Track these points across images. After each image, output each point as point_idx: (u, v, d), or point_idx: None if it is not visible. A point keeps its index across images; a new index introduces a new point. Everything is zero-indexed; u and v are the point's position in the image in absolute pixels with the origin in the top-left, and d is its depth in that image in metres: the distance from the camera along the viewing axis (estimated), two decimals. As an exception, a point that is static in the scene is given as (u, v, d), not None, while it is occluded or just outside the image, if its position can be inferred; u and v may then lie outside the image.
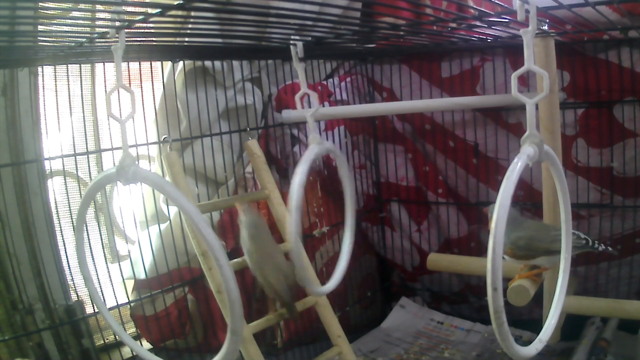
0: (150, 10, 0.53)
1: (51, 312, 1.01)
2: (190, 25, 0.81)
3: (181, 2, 0.50)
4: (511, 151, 1.20)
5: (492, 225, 0.47)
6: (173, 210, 1.11)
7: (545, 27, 0.76)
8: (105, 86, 1.05)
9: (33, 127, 1.00)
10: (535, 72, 0.50)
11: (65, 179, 1.07)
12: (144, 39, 0.72)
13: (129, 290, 1.08)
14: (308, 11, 0.66)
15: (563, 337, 0.96)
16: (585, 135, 1.10)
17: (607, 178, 1.10)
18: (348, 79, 1.31)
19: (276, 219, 1.01)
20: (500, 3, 0.63)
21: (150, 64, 1.04)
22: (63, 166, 1.05)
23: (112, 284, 0.98)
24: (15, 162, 0.98)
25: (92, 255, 0.94)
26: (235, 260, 0.90)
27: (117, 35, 0.52)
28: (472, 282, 1.33)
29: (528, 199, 1.17)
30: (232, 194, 1.15)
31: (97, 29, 0.60)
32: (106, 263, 1.03)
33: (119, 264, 1.05)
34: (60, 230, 0.96)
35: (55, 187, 1.04)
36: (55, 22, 0.69)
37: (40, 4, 0.65)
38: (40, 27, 0.70)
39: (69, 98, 0.94)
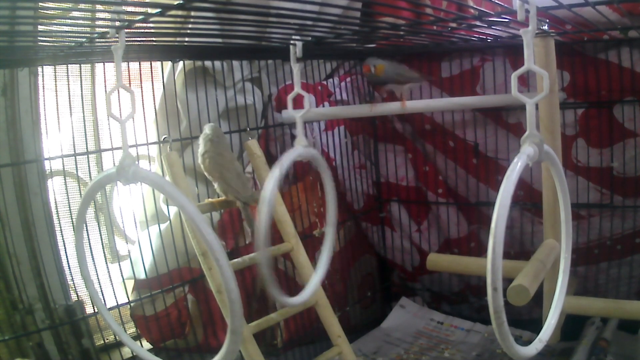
0: (150, 10, 0.53)
1: (51, 312, 1.01)
2: (190, 25, 0.81)
3: (181, 2, 0.50)
4: (511, 151, 1.20)
5: (492, 225, 0.47)
6: (173, 210, 1.11)
7: (545, 27, 0.76)
8: (105, 86, 1.05)
9: (33, 127, 1.00)
10: (535, 72, 0.50)
11: (65, 179, 1.07)
12: (144, 39, 0.72)
13: (129, 290, 1.08)
14: (308, 11, 0.66)
15: (563, 337, 0.96)
16: (585, 135, 1.10)
17: (607, 178, 1.10)
18: (348, 79, 1.31)
19: (276, 219, 1.01)
20: (500, 3, 0.63)
21: (150, 64, 1.04)
22: (63, 166, 1.05)
23: (112, 284, 0.98)
24: (15, 162, 0.98)
25: (92, 255, 0.94)
26: (235, 260, 0.90)
27: (117, 35, 0.52)
28: (472, 282, 1.33)
29: (528, 199, 1.17)
30: (232, 194, 1.15)
31: (97, 29, 0.60)
32: (106, 263, 1.03)
33: (119, 264, 1.05)
34: (60, 230, 0.96)
35: (55, 187, 1.04)
36: (55, 22, 0.69)
37: (40, 4, 0.65)
38: (40, 27, 0.70)
39: (69, 98, 0.94)
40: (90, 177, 1.06)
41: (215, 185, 0.91)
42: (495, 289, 0.47)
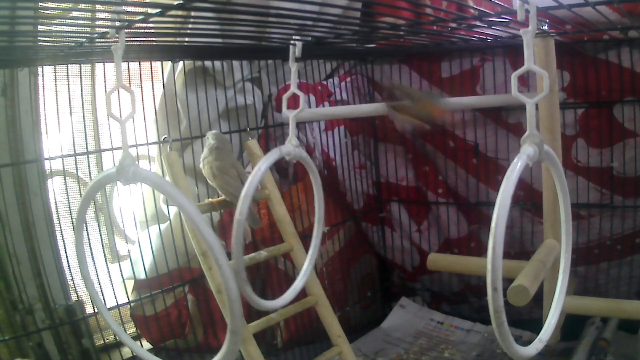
0: (150, 10, 0.53)
1: (51, 312, 1.01)
2: (190, 25, 0.81)
3: (181, 2, 0.50)
4: (511, 151, 1.20)
5: (492, 225, 0.47)
6: (173, 210, 1.11)
7: (545, 27, 0.76)
8: (105, 86, 1.05)
9: (33, 127, 1.00)
10: (535, 72, 0.50)
11: (65, 179, 1.07)
12: (144, 39, 0.72)
13: (129, 290, 1.08)
14: (308, 11, 0.66)
15: (563, 337, 0.96)
16: (585, 135, 1.10)
17: (607, 178, 1.10)
18: (348, 79, 1.31)
19: (276, 219, 1.01)
20: (500, 3, 0.63)
21: (150, 64, 1.04)
22: (63, 166, 1.05)
23: (112, 284, 0.98)
24: (15, 162, 0.98)
25: (92, 255, 0.94)
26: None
27: (117, 35, 0.52)
28: (472, 282, 1.33)
29: (528, 199, 1.17)
30: (232, 194, 1.15)
31: (97, 29, 0.60)
32: (106, 263, 1.03)
33: (119, 264, 1.05)
34: (60, 230, 0.96)
35: (55, 187, 1.04)
36: (55, 22, 0.69)
37: (40, 4, 0.65)
38: (40, 27, 0.70)
39: (69, 98, 0.94)
40: (90, 177, 1.06)
41: (216, 187, 0.91)
42: (495, 289, 0.47)
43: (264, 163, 0.67)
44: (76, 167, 0.94)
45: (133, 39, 0.69)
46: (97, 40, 0.62)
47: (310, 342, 1.23)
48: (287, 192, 1.19)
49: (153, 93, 1.07)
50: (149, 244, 1.06)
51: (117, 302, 0.98)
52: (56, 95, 1.02)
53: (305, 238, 1.17)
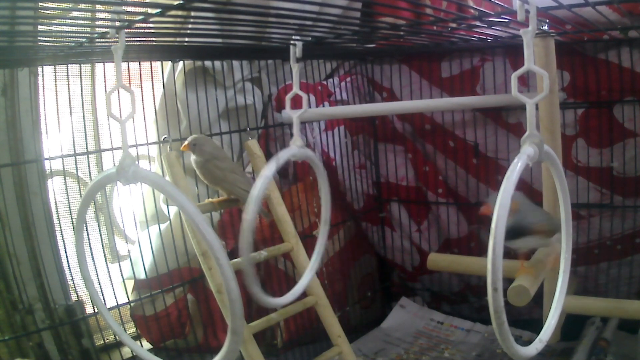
0: (150, 10, 0.53)
1: (51, 312, 1.01)
2: (190, 25, 0.81)
3: (181, 2, 0.50)
4: (511, 151, 1.20)
5: (492, 225, 0.47)
6: (173, 210, 1.11)
7: (545, 27, 0.76)
8: (105, 86, 1.05)
9: (33, 127, 1.00)
10: (535, 72, 0.50)
11: (65, 179, 1.07)
12: (144, 39, 0.72)
13: (129, 290, 1.08)
14: (308, 11, 0.66)
15: (563, 337, 0.96)
16: (585, 135, 1.10)
17: (607, 178, 1.10)
18: (348, 79, 1.31)
19: (276, 219, 1.01)
20: (500, 3, 0.63)
21: (150, 64, 1.04)
22: (63, 166, 1.05)
23: (112, 284, 0.98)
24: (15, 162, 0.98)
25: (92, 255, 0.94)
26: (236, 260, 0.90)
27: (117, 35, 0.52)
28: (472, 282, 1.33)
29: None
30: (232, 194, 1.15)
31: (97, 29, 0.60)
32: (106, 263, 1.03)
33: (119, 264, 1.05)
34: (60, 230, 0.96)
35: (55, 187, 1.04)
36: (55, 22, 0.69)
37: (40, 4, 0.65)
38: (40, 27, 0.70)
39: (69, 98, 0.94)
40: (90, 177, 1.06)
41: (222, 188, 0.90)
42: (496, 289, 0.47)
43: (274, 164, 0.67)
44: (76, 167, 0.94)
45: (133, 39, 0.69)
46: (97, 40, 0.62)
47: (310, 342, 1.23)
48: (287, 192, 1.19)
49: (153, 93, 1.07)
50: (149, 244, 1.06)
51: (117, 302, 0.98)
52: (56, 95, 1.02)
53: (305, 238, 1.17)
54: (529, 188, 1.17)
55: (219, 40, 0.79)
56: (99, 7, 0.55)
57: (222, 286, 0.77)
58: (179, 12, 0.85)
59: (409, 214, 1.37)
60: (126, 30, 0.52)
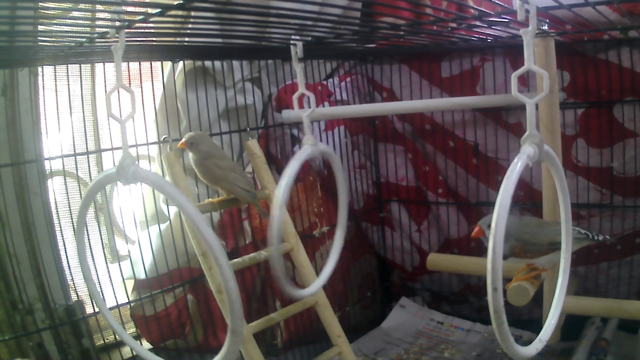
0: (150, 10, 0.53)
1: (51, 312, 1.01)
2: (190, 25, 0.81)
3: (181, 2, 0.50)
4: (511, 151, 1.20)
5: (493, 225, 0.47)
6: (173, 210, 1.11)
7: (545, 27, 0.76)
8: (105, 86, 1.05)
9: (33, 127, 1.00)
10: (535, 72, 0.50)
11: (65, 179, 1.07)
12: (144, 39, 0.72)
13: (129, 290, 1.08)
14: (308, 11, 0.66)
15: (563, 337, 0.96)
16: (585, 135, 1.10)
17: (607, 178, 1.10)
18: (348, 79, 1.31)
19: (276, 219, 1.01)
20: (500, 3, 0.63)
21: (150, 64, 1.03)
22: (63, 166, 1.05)
23: (112, 284, 0.98)
24: (15, 162, 0.98)
25: (92, 255, 0.93)
26: (235, 260, 0.90)
27: (117, 35, 0.52)
28: (472, 282, 1.33)
29: (528, 199, 1.17)
30: (232, 194, 1.15)
31: (97, 29, 0.60)
32: (106, 263, 1.03)
33: (119, 264, 1.05)
34: (60, 230, 0.96)
35: (55, 187, 1.04)
36: (55, 22, 0.69)
37: (40, 4, 0.65)
38: (40, 27, 0.70)
39: (69, 98, 0.94)
40: (90, 177, 1.06)
41: (221, 187, 0.90)
42: (495, 289, 0.47)
43: (294, 165, 0.69)
44: (76, 167, 0.94)
45: (133, 39, 0.69)
46: (97, 40, 0.62)
47: (310, 342, 1.23)
48: (289, 192, 1.18)
49: (153, 93, 1.07)
50: (149, 244, 1.06)
51: (117, 302, 0.98)
52: (56, 95, 1.02)
53: (305, 238, 1.17)
54: (529, 188, 1.17)
55: (219, 40, 0.79)
56: (99, 7, 0.55)
57: (222, 286, 0.77)
58: (179, 12, 0.85)
59: (409, 214, 1.37)
60: (126, 30, 0.52)
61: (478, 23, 0.77)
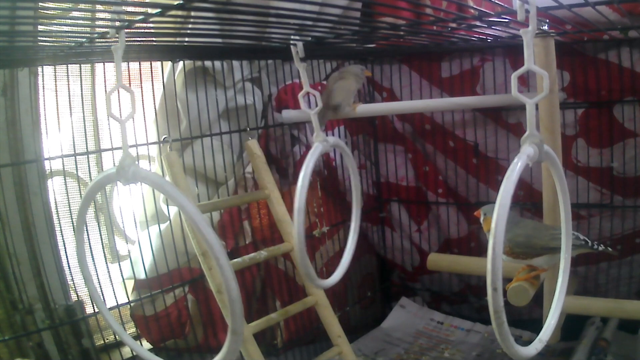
0: (150, 10, 0.53)
1: (51, 312, 1.01)
2: (190, 25, 0.81)
3: (181, 2, 0.50)
4: (511, 151, 1.20)
5: (492, 225, 0.47)
6: (173, 210, 1.11)
7: (545, 27, 0.76)
8: (105, 86, 1.05)
9: (33, 127, 1.00)
10: (535, 72, 0.50)
11: (65, 179, 1.07)
12: (144, 39, 0.72)
13: (129, 290, 1.08)
14: (308, 11, 0.66)
15: (563, 337, 0.96)
16: (585, 135, 1.10)
17: (607, 178, 1.10)
18: (348, 79, 1.31)
19: (276, 219, 1.01)
20: (500, 3, 0.63)
21: (150, 64, 1.03)
22: (63, 166, 1.05)
23: (112, 284, 0.98)
24: (15, 162, 0.98)
25: (92, 255, 0.93)
26: (236, 260, 0.90)
27: (117, 35, 0.52)
28: (472, 282, 1.33)
29: (528, 199, 1.17)
30: (232, 194, 1.16)
31: (97, 29, 0.60)
32: (106, 263, 1.03)
33: (119, 264, 1.05)
34: (60, 230, 0.96)
35: (55, 187, 1.04)
36: (55, 22, 0.69)
37: (40, 4, 0.65)
38: (40, 27, 0.70)
39: (69, 98, 0.94)
40: (90, 177, 1.06)
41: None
42: (495, 289, 0.47)
43: (309, 165, 0.71)
44: (76, 167, 0.94)
45: (133, 39, 0.69)
46: (97, 40, 0.62)
47: (310, 342, 1.23)
48: (287, 192, 1.19)
49: (153, 93, 1.07)
50: (149, 244, 1.06)
51: (117, 302, 0.98)
52: (56, 95, 1.02)
53: (305, 238, 1.17)
54: (529, 188, 1.17)
55: (219, 40, 0.79)
56: (99, 7, 0.55)
57: (222, 286, 0.77)
58: (179, 12, 0.85)
59: (409, 214, 1.37)
60: (126, 30, 0.52)
61: (478, 23, 0.77)
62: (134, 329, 1.14)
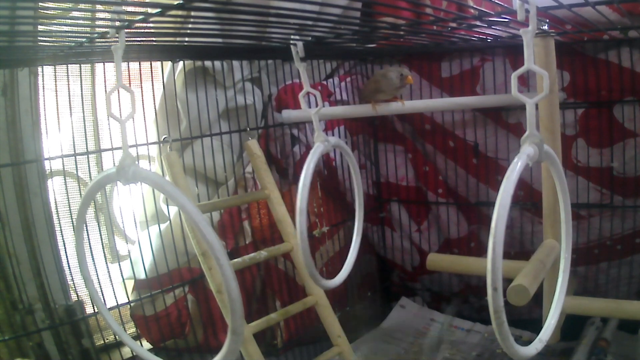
0: (150, 10, 0.53)
1: (51, 312, 1.01)
2: (190, 25, 0.81)
3: (181, 2, 0.50)
4: (511, 151, 1.20)
5: (493, 225, 0.47)
6: (173, 210, 1.11)
7: (545, 27, 0.76)
8: (105, 86, 1.05)
9: (33, 127, 1.00)
10: (535, 72, 0.50)
11: (65, 179, 1.07)
12: (144, 39, 0.72)
13: (129, 290, 1.08)
14: (308, 11, 0.66)
15: (563, 337, 0.96)
16: (585, 135, 1.10)
17: (607, 178, 1.10)
18: (348, 79, 1.31)
19: (276, 219, 1.01)
20: (500, 3, 0.63)
21: (150, 64, 1.03)
22: (63, 166, 1.05)
23: (112, 284, 0.98)
24: (15, 162, 0.98)
25: (92, 255, 0.94)
26: (236, 260, 0.90)
27: (117, 35, 0.52)
28: (472, 282, 1.33)
29: (528, 199, 1.17)
30: (232, 194, 1.16)
31: (97, 29, 0.60)
32: (106, 263, 1.03)
33: (119, 264, 1.05)
34: (60, 230, 0.96)
35: (55, 187, 1.04)
36: (55, 22, 0.69)
37: (40, 4, 0.65)
38: (40, 27, 0.70)
39: (69, 98, 0.94)
40: (90, 177, 1.06)
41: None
42: (495, 289, 0.47)
43: (310, 165, 0.72)
44: (76, 167, 0.94)
45: (133, 39, 0.69)
46: (97, 40, 0.62)
47: (310, 342, 1.23)
48: (287, 192, 1.19)
49: (153, 93, 1.07)
50: (149, 244, 1.06)
51: (117, 302, 0.98)
52: (56, 95, 1.02)
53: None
54: (529, 188, 1.17)
55: (219, 40, 0.79)
56: (99, 7, 0.55)
57: (222, 286, 0.77)
58: (179, 12, 0.85)
59: (409, 214, 1.37)
60: (126, 30, 0.52)
61: (478, 23, 0.77)
62: (134, 329, 1.14)
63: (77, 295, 1.05)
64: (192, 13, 0.79)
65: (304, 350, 1.22)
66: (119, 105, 0.93)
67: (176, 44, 0.83)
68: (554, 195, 0.77)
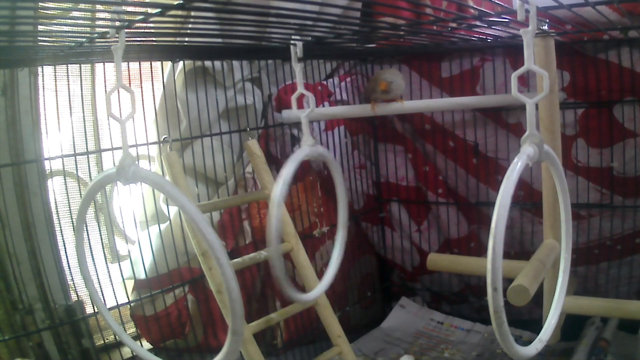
0: (150, 10, 0.53)
1: (51, 312, 1.01)
2: (190, 25, 0.81)
3: (181, 2, 0.50)
4: (511, 151, 1.20)
5: (493, 225, 0.47)
6: (173, 210, 1.11)
7: (545, 27, 0.76)
8: (105, 86, 1.05)
9: (33, 127, 1.00)
10: (535, 72, 0.50)
11: (65, 179, 1.07)
12: (144, 39, 0.72)
13: (129, 290, 1.08)
14: (308, 11, 0.66)
15: (563, 337, 0.96)
16: (585, 135, 1.10)
17: (607, 178, 1.10)
18: (348, 79, 1.31)
19: (276, 219, 1.00)
20: (500, 3, 0.63)
21: (150, 64, 1.03)
22: (63, 166, 1.05)
23: (112, 284, 0.98)
24: (15, 162, 0.98)
25: (92, 255, 0.93)
26: (236, 260, 0.90)
27: (117, 35, 0.52)
28: (472, 282, 1.33)
29: (528, 199, 1.17)
30: (232, 194, 1.16)
31: (97, 29, 0.60)
32: (106, 263, 1.03)
33: (119, 264, 1.05)
34: (60, 230, 0.96)
35: (55, 187, 1.04)
36: (55, 22, 0.69)
37: (40, 4, 0.65)
38: (40, 27, 0.70)
39: (69, 98, 0.94)
40: (90, 177, 1.06)
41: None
42: (495, 289, 0.47)
43: (292, 165, 0.69)
44: (76, 167, 0.94)
45: (133, 39, 0.69)
46: (97, 40, 0.62)
47: (310, 342, 1.23)
48: (287, 192, 1.19)
49: (153, 93, 1.07)
50: (149, 244, 1.06)
51: (117, 302, 0.98)
52: (56, 95, 1.02)
53: (305, 238, 1.17)
54: (529, 188, 1.17)
55: (219, 40, 0.79)
56: (99, 7, 0.55)
57: (222, 286, 0.77)
58: (179, 12, 0.85)
59: (409, 214, 1.37)
60: (126, 30, 0.52)
61: (478, 23, 0.77)
62: (134, 329, 1.14)
63: (77, 295, 1.05)
64: (192, 13, 0.80)
65: (304, 350, 1.22)
66: (119, 105, 0.93)
67: (176, 44, 0.83)
68: (554, 195, 0.77)
